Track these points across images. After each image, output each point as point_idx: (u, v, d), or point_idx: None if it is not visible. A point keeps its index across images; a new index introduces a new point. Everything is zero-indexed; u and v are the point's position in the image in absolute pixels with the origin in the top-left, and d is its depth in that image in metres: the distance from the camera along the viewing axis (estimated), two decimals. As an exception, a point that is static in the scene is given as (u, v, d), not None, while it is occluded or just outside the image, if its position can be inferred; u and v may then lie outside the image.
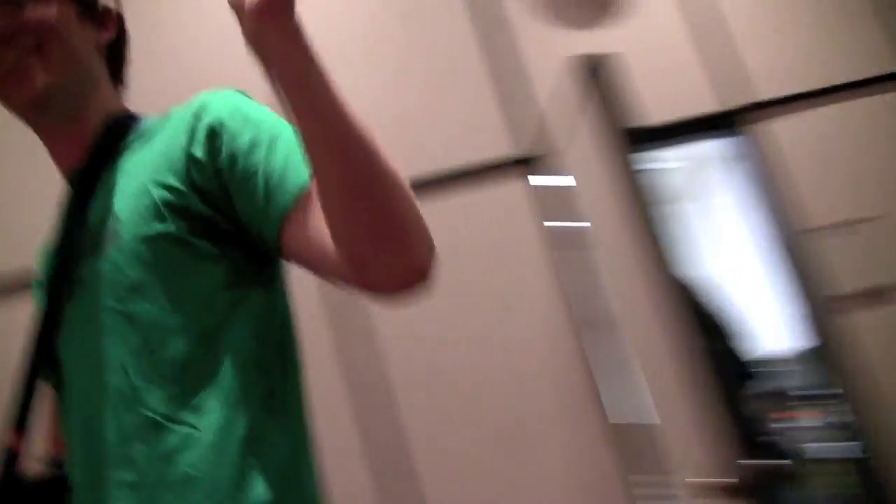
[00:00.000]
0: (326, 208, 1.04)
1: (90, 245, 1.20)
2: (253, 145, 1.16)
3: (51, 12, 1.26)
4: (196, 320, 1.16)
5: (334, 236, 1.05)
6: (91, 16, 1.34)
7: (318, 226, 1.09)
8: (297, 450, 1.20)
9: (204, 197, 1.17)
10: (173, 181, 1.18)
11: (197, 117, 1.20)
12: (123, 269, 1.17)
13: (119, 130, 1.32)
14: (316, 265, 1.12)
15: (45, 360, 1.22)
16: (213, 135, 1.17)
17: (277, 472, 1.14)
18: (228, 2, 0.94)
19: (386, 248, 1.03)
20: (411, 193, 1.05)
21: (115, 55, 1.39)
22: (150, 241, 1.17)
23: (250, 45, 0.96)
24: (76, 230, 1.23)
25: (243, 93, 1.26)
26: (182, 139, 1.19)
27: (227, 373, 1.15)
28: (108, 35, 1.37)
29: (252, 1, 0.92)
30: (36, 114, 1.29)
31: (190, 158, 1.18)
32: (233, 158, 1.16)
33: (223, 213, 1.18)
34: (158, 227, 1.17)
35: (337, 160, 1.00)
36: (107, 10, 1.37)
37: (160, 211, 1.17)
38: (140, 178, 1.21)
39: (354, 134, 1.00)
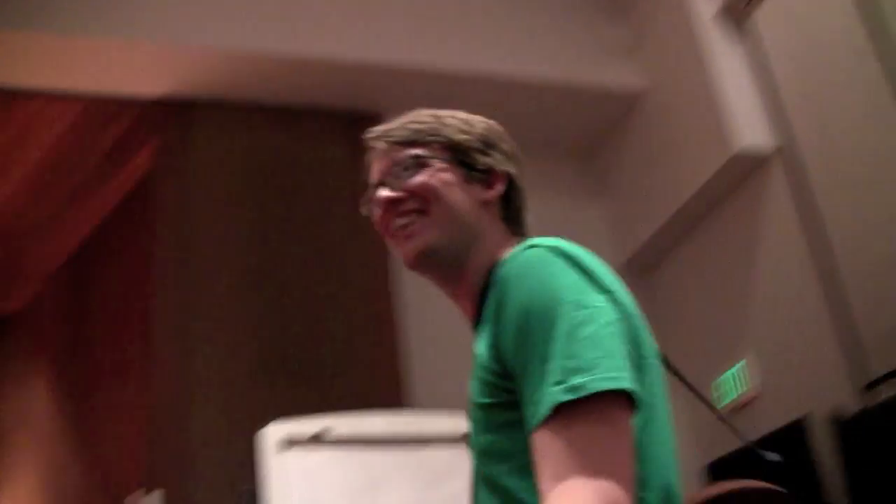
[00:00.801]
0: None
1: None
2: (529, 363, 1.18)
3: (432, 179, 1.44)
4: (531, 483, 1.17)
5: None
6: (475, 178, 1.47)
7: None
8: None
9: (509, 376, 1.23)
10: (491, 363, 1.25)
11: (500, 304, 1.25)
12: (476, 434, 1.30)
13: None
14: None
15: None
16: (511, 329, 1.22)
17: None
18: None
19: None
20: None
21: (509, 206, 1.51)
22: (483, 408, 1.27)
23: None
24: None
25: (552, 252, 1.27)
26: (493, 321, 1.26)
27: None
28: (493, 192, 1.49)
29: None
30: (420, 268, 1.46)
31: (497, 345, 1.24)
32: (516, 360, 1.20)
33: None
34: (485, 399, 1.27)
35: None
36: (491, 170, 1.49)
37: (485, 385, 1.26)
38: (480, 343, 1.31)
39: None
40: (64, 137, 4.82)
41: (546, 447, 1.13)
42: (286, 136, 4.35)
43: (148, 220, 4.57)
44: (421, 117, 1.52)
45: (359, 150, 1.64)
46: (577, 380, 1.12)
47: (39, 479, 5.55)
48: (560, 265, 1.25)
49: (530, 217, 1.58)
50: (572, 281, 1.23)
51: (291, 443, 3.18)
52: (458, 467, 3.25)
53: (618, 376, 1.14)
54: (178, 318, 4.04)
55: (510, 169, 1.52)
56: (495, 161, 1.50)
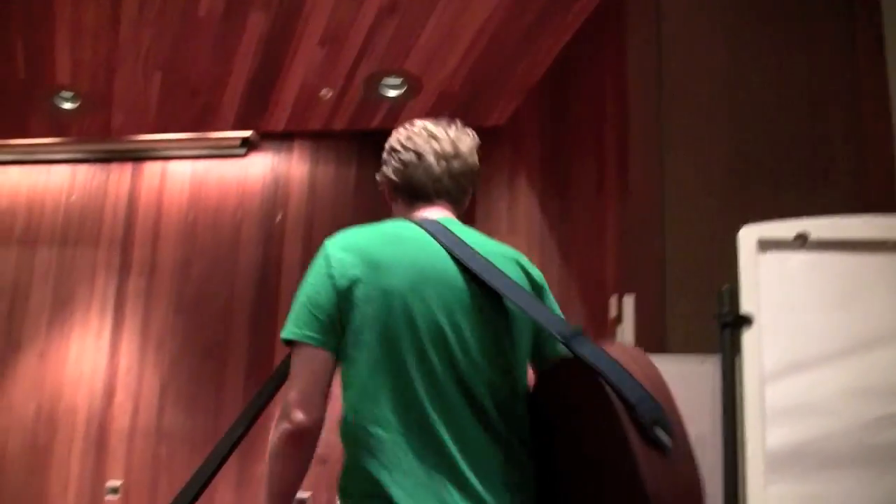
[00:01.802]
0: None
1: None
2: None
3: None
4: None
5: None
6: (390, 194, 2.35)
7: None
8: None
9: None
10: None
11: None
12: None
13: None
14: None
15: None
16: None
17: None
18: None
19: None
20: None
21: (398, 189, 2.30)
22: None
23: None
24: None
25: (323, 245, 2.11)
26: None
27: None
28: (384, 189, 2.36)
29: None
30: None
31: None
32: None
33: None
34: None
35: None
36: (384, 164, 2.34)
37: None
38: None
39: None
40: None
41: None
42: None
43: (621, 28, 4.59)
44: None
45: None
46: (284, 331, 2.00)
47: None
48: (317, 255, 2.08)
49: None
50: (312, 267, 2.07)
51: (769, 244, 3.14)
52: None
53: (293, 330, 1.99)
54: (653, 126, 4.07)
55: (387, 172, 2.29)
56: (383, 171, 2.33)
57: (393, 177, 2.25)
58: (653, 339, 3.89)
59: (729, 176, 3.88)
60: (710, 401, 3.20)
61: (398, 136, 2.26)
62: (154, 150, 7.81)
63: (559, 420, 1.90)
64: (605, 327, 4.63)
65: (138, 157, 7.90)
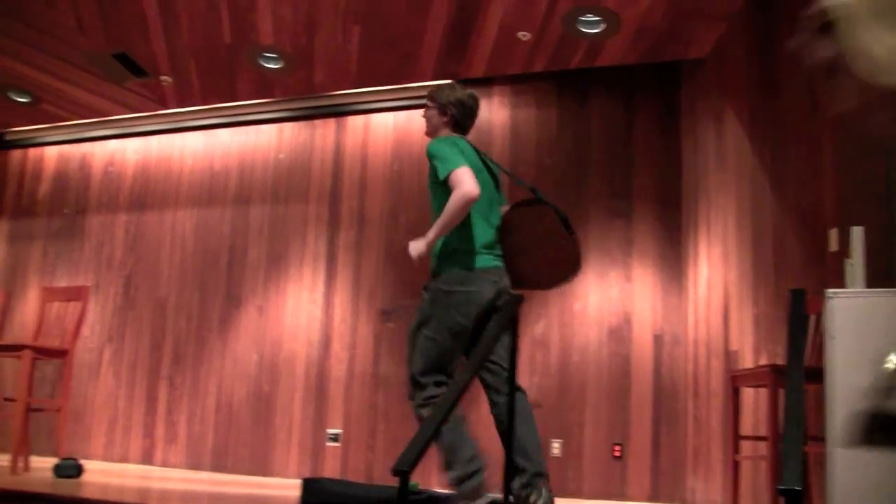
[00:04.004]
0: None
1: None
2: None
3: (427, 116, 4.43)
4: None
5: None
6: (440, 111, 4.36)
7: None
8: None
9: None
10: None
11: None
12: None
13: None
14: None
15: None
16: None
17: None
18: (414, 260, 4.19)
19: None
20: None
21: (455, 122, 4.28)
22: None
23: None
24: None
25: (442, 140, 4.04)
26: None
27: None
28: (433, 114, 4.36)
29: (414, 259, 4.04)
30: None
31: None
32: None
33: None
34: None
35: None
36: (444, 105, 4.30)
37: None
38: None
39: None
40: None
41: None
42: None
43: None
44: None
45: None
46: (445, 171, 3.86)
47: (738, 217, 5.75)
48: (444, 143, 3.93)
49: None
50: (444, 147, 3.90)
51: None
52: None
53: (455, 163, 3.82)
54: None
55: (453, 111, 4.24)
56: (447, 104, 4.26)
57: (457, 115, 4.22)
58: (881, 272, 3.70)
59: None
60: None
61: (458, 94, 4.24)
62: (356, 103, 7.94)
63: (520, 221, 4.03)
64: (823, 261, 4.45)
65: (341, 111, 8.05)
